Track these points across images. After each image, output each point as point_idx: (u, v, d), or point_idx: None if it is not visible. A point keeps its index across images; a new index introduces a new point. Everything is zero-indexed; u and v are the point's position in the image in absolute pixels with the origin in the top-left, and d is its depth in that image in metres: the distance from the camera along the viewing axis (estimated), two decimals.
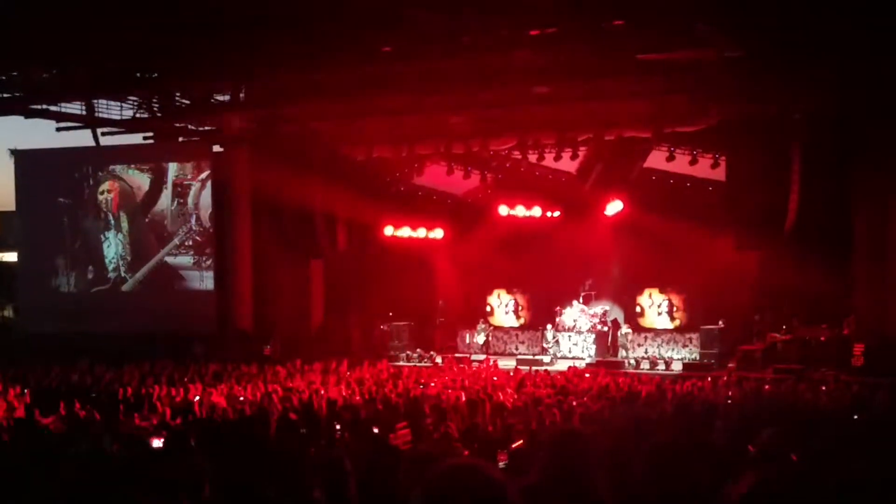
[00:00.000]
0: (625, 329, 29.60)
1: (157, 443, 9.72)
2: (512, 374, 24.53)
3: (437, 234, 33.86)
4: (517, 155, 29.46)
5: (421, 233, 33.52)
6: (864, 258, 24.99)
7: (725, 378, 22.84)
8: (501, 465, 8.60)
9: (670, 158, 27.94)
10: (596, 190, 29.35)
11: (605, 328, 30.15)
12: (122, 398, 17.64)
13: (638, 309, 31.12)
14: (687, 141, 27.25)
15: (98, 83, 25.38)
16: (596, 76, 22.51)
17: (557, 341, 30.67)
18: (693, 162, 27.82)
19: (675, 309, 30.49)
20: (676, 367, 27.71)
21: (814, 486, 3.18)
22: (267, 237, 30.79)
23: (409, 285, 33.52)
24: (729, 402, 16.46)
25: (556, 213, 31.57)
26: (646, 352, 29.24)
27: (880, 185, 24.39)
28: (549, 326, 31.01)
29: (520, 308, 33.40)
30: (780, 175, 23.89)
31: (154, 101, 27.72)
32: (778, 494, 3.14)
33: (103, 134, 30.06)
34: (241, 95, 27.12)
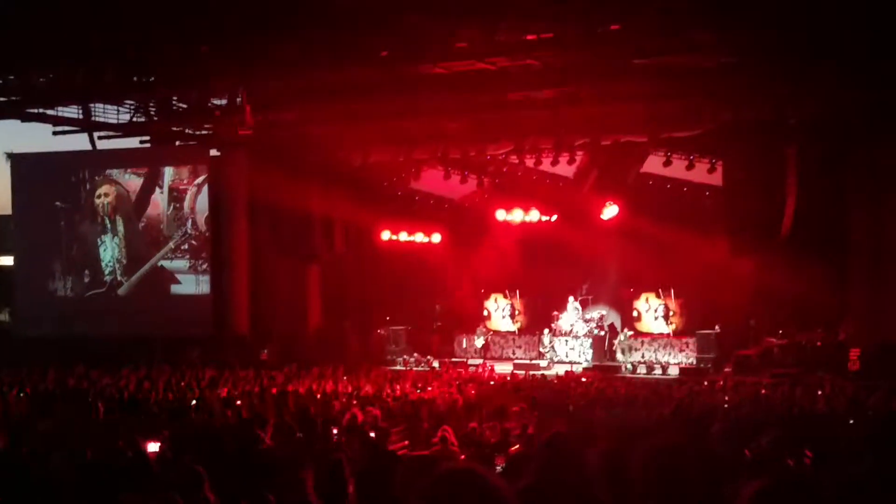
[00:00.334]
0: (623, 336, 29.56)
1: (153, 447, 9.71)
2: (509, 377, 24.57)
3: (435, 238, 33.86)
4: (514, 159, 29.47)
5: (418, 237, 33.52)
6: (859, 263, 25.02)
7: (722, 382, 22.86)
8: (499, 469, 8.59)
9: (667, 163, 27.98)
10: (593, 194, 29.38)
11: (602, 332, 30.14)
12: (118, 402, 17.61)
13: (635, 313, 31.11)
14: (684, 146, 27.28)
15: (95, 87, 25.35)
16: (593, 81, 22.52)
17: (553, 346, 30.64)
18: (690, 167, 27.86)
19: (671, 313, 30.48)
20: (673, 371, 27.71)
21: (819, 491, 3.19)
22: (264, 241, 30.75)
23: (407, 290, 33.52)
24: (726, 406, 16.47)
25: (553, 218, 31.54)
26: (643, 356, 29.22)
27: (876, 189, 24.42)
28: (545, 331, 30.98)
29: (516, 312, 33.39)
30: (776, 180, 23.92)
31: (151, 104, 27.69)
32: (786, 498, 3.15)
33: (100, 138, 30.01)
34: (239, 99, 27.10)
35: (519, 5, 19.20)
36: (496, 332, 32.76)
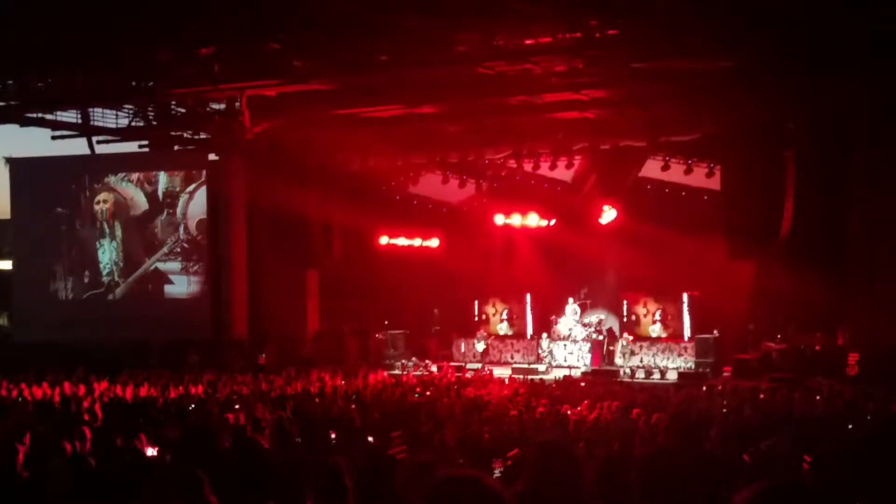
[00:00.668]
0: (624, 341, 29.53)
1: (151, 451, 9.70)
2: (507, 382, 24.54)
3: (433, 242, 33.87)
4: (513, 163, 29.51)
5: (416, 241, 33.55)
6: (857, 267, 25.04)
7: (720, 387, 22.85)
8: (497, 473, 8.59)
9: (665, 167, 28.03)
10: (591, 199, 29.42)
11: (601, 337, 30.13)
12: (116, 406, 17.59)
13: (633, 318, 31.10)
14: (682, 150, 27.33)
15: (94, 92, 25.38)
16: (591, 85, 22.55)
17: (551, 351, 30.61)
18: (688, 171, 27.92)
19: (669, 318, 30.48)
20: (672, 376, 27.69)
21: (816, 495, 3.19)
22: (262, 246, 30.77)
23: (405, 294, 33.53)
24: (724, 410, 16.46)
25: (552, 222, 31.58)
26: (641, 361, 29.21)
27: (874, 194, 24.44)
28: (544, 335, 30.97)
29: (514, 317, 33.37)
30: (775, 184, 23.95)
31: (149, 109, 27.72)
32: (782, 502, 3.15)
33: (98, 142, 30.04)
34: (238, 104, 27.13)
35: (518, 10, 19.22)
36: (494, 337, 32.75)
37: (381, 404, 17.61)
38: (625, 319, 30.99)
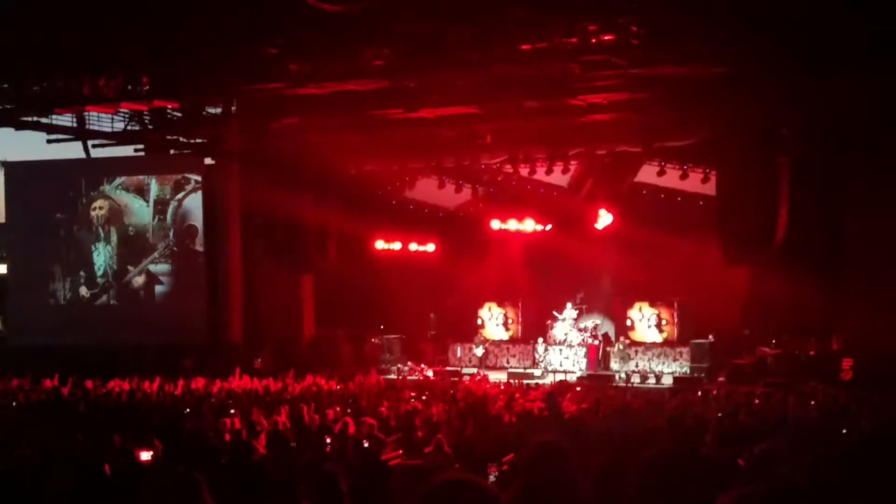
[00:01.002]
0: (621, 345, 29.55)
1: (146, 455, 9.69)
2: (502, 387, 24.54)
3: (429, 247, 33.89)
4: (509, 169, 29.52)
5: (412, 246, 33.55)
6: (852, 273, 25.08)
7: (715, 392, 22.88)
8: (492, 478, 8.59)
9: (661, 173, 28.09)
10: (587, 204, 29.45)
11: (596, 342, 30.14)
12: (111, 411, 17.57)
13: (629, 322, 31.13)
14: (677, 155, 27.39)
15: (89, 95, 25.33)
16: (586, 91, 22.57)
17: (547, 356, 30.60)
18: (684, 176, 27.99)
19: (664, 322, 30.52)
20: (667, 380, 27.71)
21: (807, 499, 3.20)
22: (258, 250, 30.79)
23: (401, 299, 33.52)
24: (720, 415, 16.47)
25: (548, 227, 31.61)
26: (636, 365, 29.23)
27: (869, 199, 24.49)
28: (539, 340, 30.98)
29: (510, 321, 33.39)
30: (770, 190, 23.97)
31: (145, 113, 27.70)
32: None
33: (94, 146, 30.02)
34: (233, 108, 27.13)
35: (513, 15, 19.23)
36: (494, 342, 32.73)
37: (377, 409, 17.60)
38: (626, 323, 31.05)
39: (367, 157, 29.07)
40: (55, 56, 22.43)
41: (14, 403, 18.90)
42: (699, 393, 22.37)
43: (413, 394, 21.77)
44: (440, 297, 34.80)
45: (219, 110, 27.48)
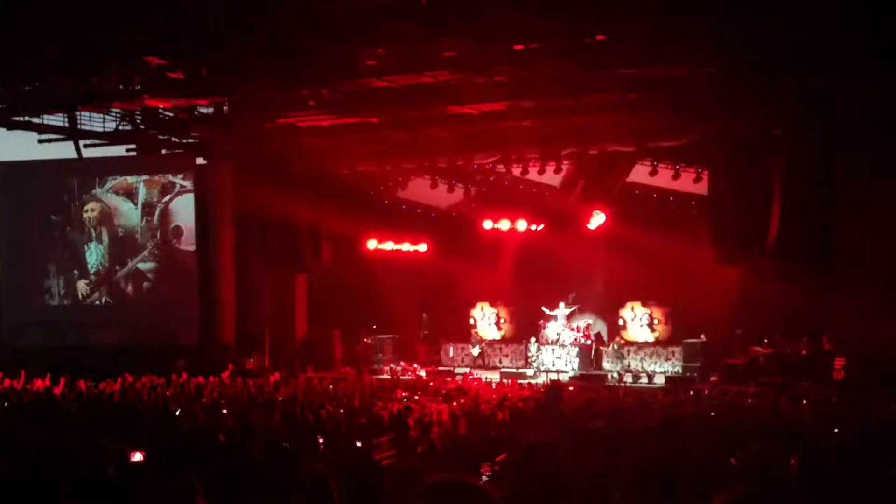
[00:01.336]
0: (615, 345, 29.60)
1: (137, 457, 9.66)
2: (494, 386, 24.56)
3: (421, 247, 33.89)
4: (501, 169, 29.54)
5: (405, 246, 33.55)
6: (844, 273, 25.09)
7: (707, 391, 22.92)
8: (485, 477, 8.59)
9: (653, 173, 28.12)
10: (580, 203, 29.47)
11: (589, 342, 30.17)
12: (103, 412, 17.53)
13: (621, 322, 31.17)
14: (670, 155, 27.41)
15: (80, 95, 25.28)
16: (579, 91, 22.59)
17: (540, 355, 30.61)
18: (676, 176, 28.02)
19: (656, 322, 30.56)
20: (659, 380, 27.76)
21: (797, 499, 3.22)
22: (250, 250, 30.78)
23: (393, 299, 33.54)
24: (712, 415, 16.51)
25: (540, 227, 31.64)
26: (629, 365, 29.26)
27: (861, 200, 24.52)
28: (532, 340, 30.99)
29: (502, 321, 33.40)
30: (762, 190, 24.01)
31: (137, 113, 27.66)
32: None
33: (86, 146, 29.99)
34: (225, 109, 27.09)
35: (506, 16, 19.24)
36: (490, 342, 32.73)
37: (369, 409, 17.60)
38: (619, 323, 31.09)
39: (360, 157, 29.05)
40: (45, 57, 22.39)
41: (6, 404, 18.84)
42: (691, 392, 22.40)
43: (406, 393, 21.78)
44: (433, 297, 34.85)
45: (211, 110, 27.46)
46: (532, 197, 31.45)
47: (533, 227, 31.73)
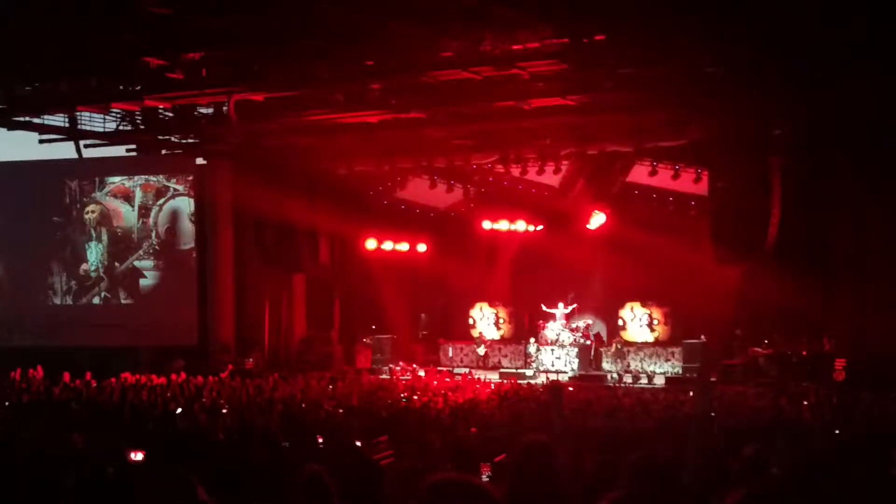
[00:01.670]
0: (617, 345, 29.59)
1: (137, 456, 9.66)
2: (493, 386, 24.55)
3: (420, 247, 33.87)
4: (500, 169, 29.51)
5: (403, 247, 33.54)
6: (844, 273, 25.12)
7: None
8: (485, 477, 8.60)
9: (653, 173, 28.11)
10: (579, 204, 29.46)
11: (588, 342, 30.16)
12: (102, 412, 17.54)
13: (620, 322, 31.16)
14: (669, 156, 27.39)
15: (80, 96, 25.29)
16: (577, 91, 22.56)
17: (539, 356, 30.61)
18: (675, 176, 28.00)
19: (655, 322, 30.54)
20: (659, 381, 27.75)
21: (798, 500, 3.22)
22: (249, 250, 30.79)
23: (392, 299, 33.52)
24: (712, 415, 16.50)
25: (539, 227, 31.64)
26: (628, 365, 29.26)
27: (860, 200, 24.54)
28: (531, 340, 30.99)
29: (501, 321, 33.39)
30: (762, 190, 24.00)
31: (137, 114, 27.66)
32: None
33: (86, 146, 30.00)
34: (224, 109, 27.06)
35: (504, 15, 19.22)
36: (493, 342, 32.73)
37: (368, 409, 17.61)
38: (618, 323, 31.07)
39: (358, 157, 29.04)
40: (45, 57, 22.39)
41: (7, 403, 18.85)
42: (690, 393, 22.39)
43: (405, 394, 21.78)
44: (431, 297, 34.85)
45: (210, 111, 27.43)
46: (531, 197, 31.43)
47: (532, 227, 31.73)
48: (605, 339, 30.75)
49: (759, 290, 26.48)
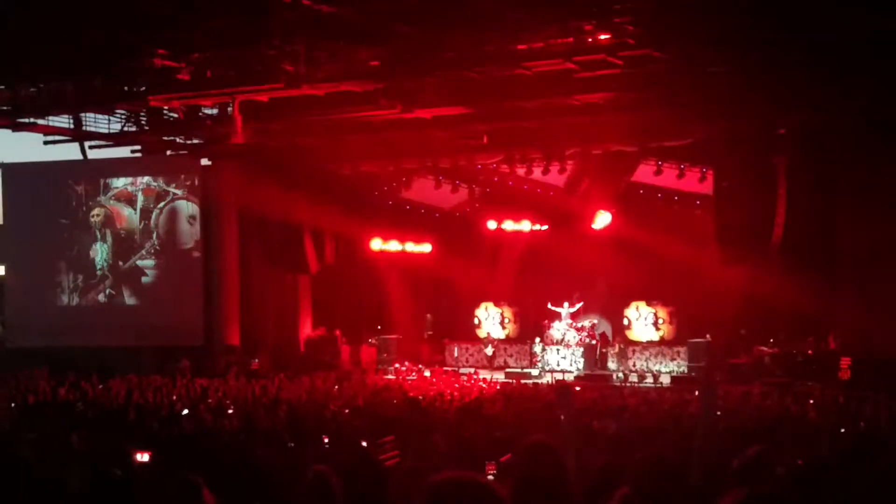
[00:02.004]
0: (622, 345, 29.57)
1: (143, 457, 9.68)
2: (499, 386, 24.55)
3: (425, 247, 33.87)
4: (505, 169, 29.49)
5: (409, 247, 33.54)
6: (849, 272, 25.08)
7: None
8: (490, 476, 8.59)
9: (658, 172, 28.08)
10: (584, 203, 29.43)
11: (594, 341, 30.14)
12: (108, 413, 17.57)
13: (625, 321, 31.12)
14: (674, 155, 27.37)
15: (85, 97, 25.31)
16: (582, 91, 22.55)
17: (544, 355, 30.59)
18: (681, 176, 27.99)
19: (660, 321, 30.50)
20: (664, 380, 27.73)
21: (802, 500, 3.21)
22: (254, 251, 30.84)
23: (397, 299, 33.53)
24: (717, 414, 16.47)
25: (544, 227, 31.62)
26: (634, 365, 29.24)
27: (865, 199, 24.50)
28: (537, 340, 30.98)
29: (506, 321, 33.36)
30: (767, 190, 23.97)
31: (142, 115, 27.69)
32: None
33: (91, 147, 30.04)
34: (229, 110, 27.07)
35: (509, 16, 19.22)
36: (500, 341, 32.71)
37: (373, 410, 17.62)
38: (623, 323, 31.05)
39: (363, 157, 29.04)
40: (50, 59, 22.43)
41: (13, 405, 18.88)
42: (696, 392, 22.35)
43: (410, 394, 21.79)
44: (437, 297, 34.85)
45: (215, 111, 27.46)
46: (536, 197, 31.40)
47: (537, 227, 31.71)
48: (610, 338, 30.73)
49: (764, 289, 26.43)
